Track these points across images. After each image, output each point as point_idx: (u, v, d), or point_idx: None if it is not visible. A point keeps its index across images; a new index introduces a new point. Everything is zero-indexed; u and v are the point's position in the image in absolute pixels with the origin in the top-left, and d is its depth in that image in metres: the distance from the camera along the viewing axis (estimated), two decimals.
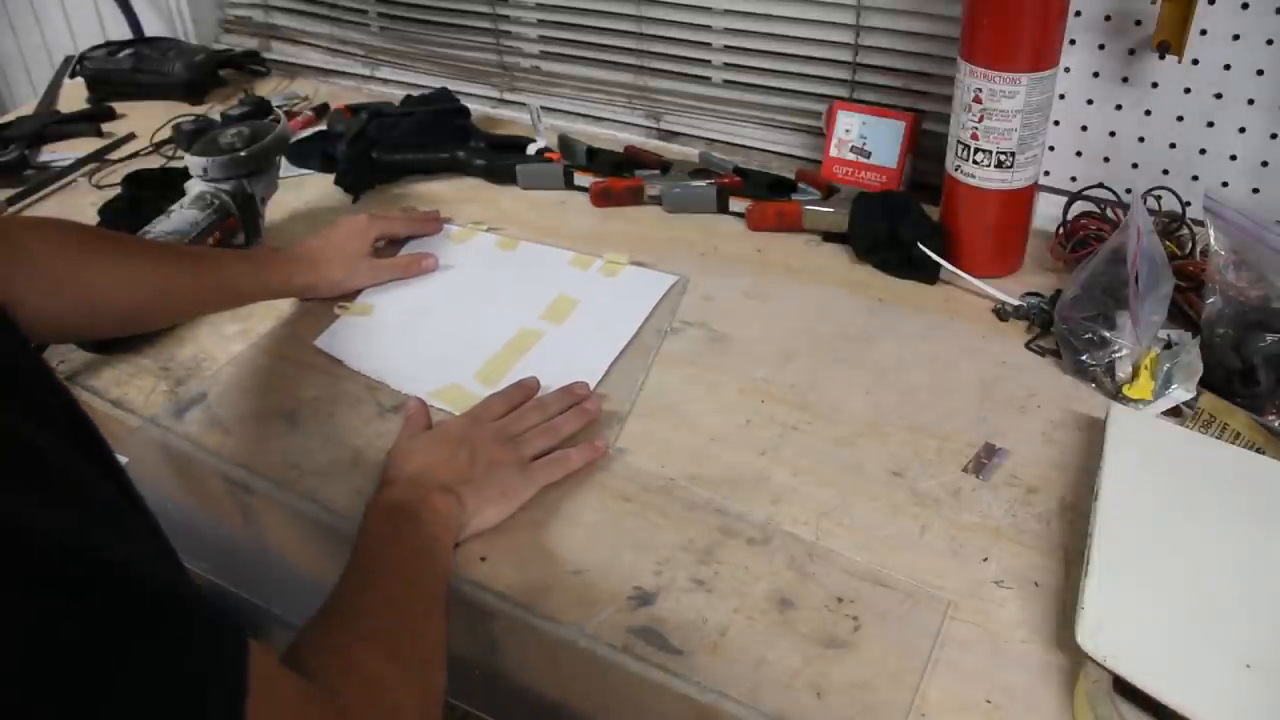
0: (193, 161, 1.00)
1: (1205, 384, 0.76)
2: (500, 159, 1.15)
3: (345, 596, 0.59)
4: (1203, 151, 0.93)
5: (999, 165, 0.87)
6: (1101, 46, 0.93)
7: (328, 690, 0.48)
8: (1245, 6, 0.85)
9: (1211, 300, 0.80)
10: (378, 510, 0.67)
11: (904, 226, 0.94)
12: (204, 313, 0.93)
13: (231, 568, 0.87)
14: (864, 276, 0.96)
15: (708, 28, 1.18)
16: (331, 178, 1.15)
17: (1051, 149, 0.99)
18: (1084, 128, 0.98)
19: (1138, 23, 0.90)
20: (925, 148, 1.07)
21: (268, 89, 1.44)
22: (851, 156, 1.08)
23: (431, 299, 0.96)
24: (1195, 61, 0.89)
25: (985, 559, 0.66)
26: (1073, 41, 0.93)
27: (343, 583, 0.60)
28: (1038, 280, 0.93)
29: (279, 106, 1.32)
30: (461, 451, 0.71)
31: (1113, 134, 0.97)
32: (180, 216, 0.97)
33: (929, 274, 0.93)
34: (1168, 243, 0.88)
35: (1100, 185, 0.94)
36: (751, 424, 0.78)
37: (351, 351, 0.88)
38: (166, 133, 1.29)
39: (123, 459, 0.79)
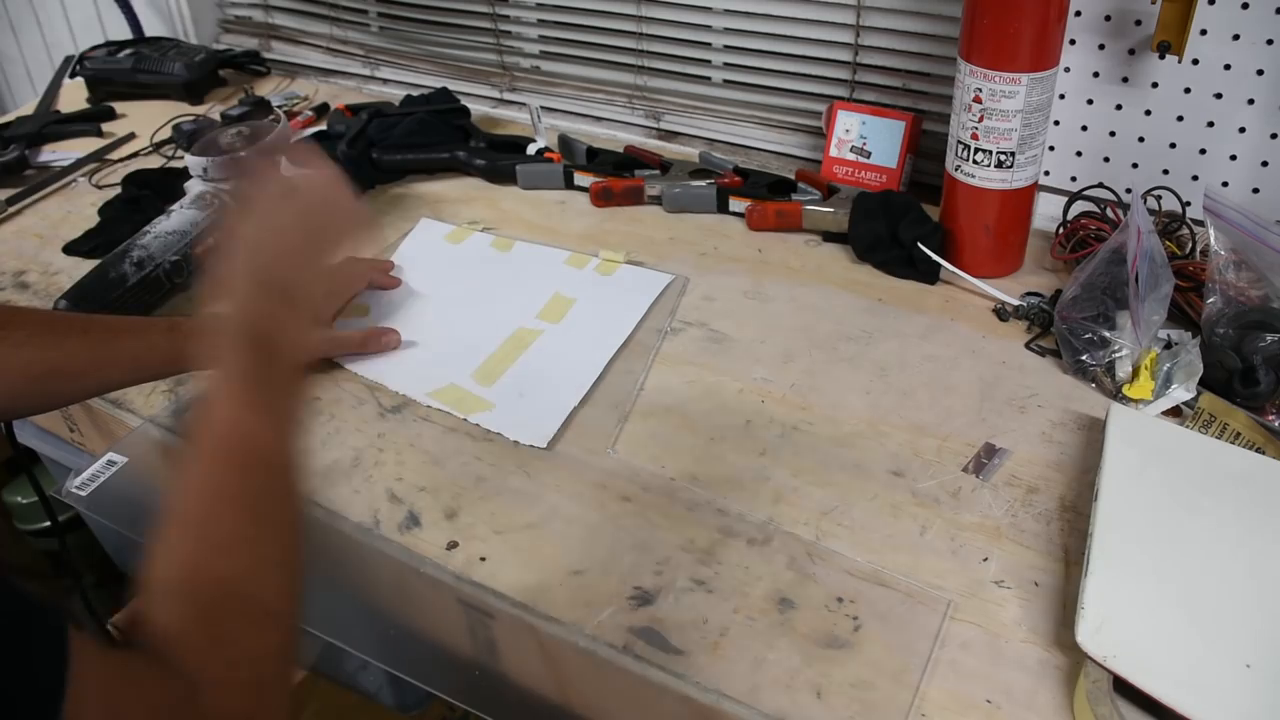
0: (193, 161, 1.01)
1: (1205, 384, 0.76)
2: (500, 159, 1.15)
3: (197, 496, 0.51)
4: (1203, 151, 0.93)
5: (999, 165, 0.87)
6: (1101, 46, 0.93)
7: (171, 664, 0.44)
8: (1245, 6, 0.85)
9: (1211, 300, 0.80)
10: (224, 338, 0.55)
11: (904, 226, 0.94)
12: (125, 386, 0.83)
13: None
14: (864, 276, 0.96)
15: (708, 28, 1.18)
16: None
17: (1051, 149, 0.99)
18: (1084, 127, 0.98)
19: (1138, 23, 0.90)
20: (925, 148, 1.07)
21: (268, 89, 1.44)
22: (851, 156, 1.08)
23: (429, 300, 0.96)
24: (1195, 61, 0.89)
25: (985, 559, 0.66)
26: (1073, 41, 0.93)
27: (187, 486, 0.52)
28: (1038, 280, 0.93)
29: (279, 106, 1.33)
30: (295, 234, 0.61)
31: (1113, 134, 0.97)
32: (180, 216, 0.97)
33: (929, 274, 0.93)
34: (1168, 243, 0.88)
35: (1100, 185, 0.94)
36: (751, 424, 0.78)
37: (349, 353, 0.88)
38: (166, 133, 1.29)
39: (122, 459, 0.79)
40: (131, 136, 1.31)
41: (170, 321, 0.82)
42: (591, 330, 0.90)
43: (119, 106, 1.38)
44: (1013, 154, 0.86)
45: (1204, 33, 0.87)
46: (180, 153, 1.23)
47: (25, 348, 0.72)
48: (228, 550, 0.49)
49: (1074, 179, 1.00)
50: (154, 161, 1.24)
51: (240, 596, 0.47)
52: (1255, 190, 0.92)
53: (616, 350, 0.87)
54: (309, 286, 0.61)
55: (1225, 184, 0.93)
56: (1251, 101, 0.88)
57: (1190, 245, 0.90)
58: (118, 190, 1.13)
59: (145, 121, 1.33)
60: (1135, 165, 0.97)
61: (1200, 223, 0.87)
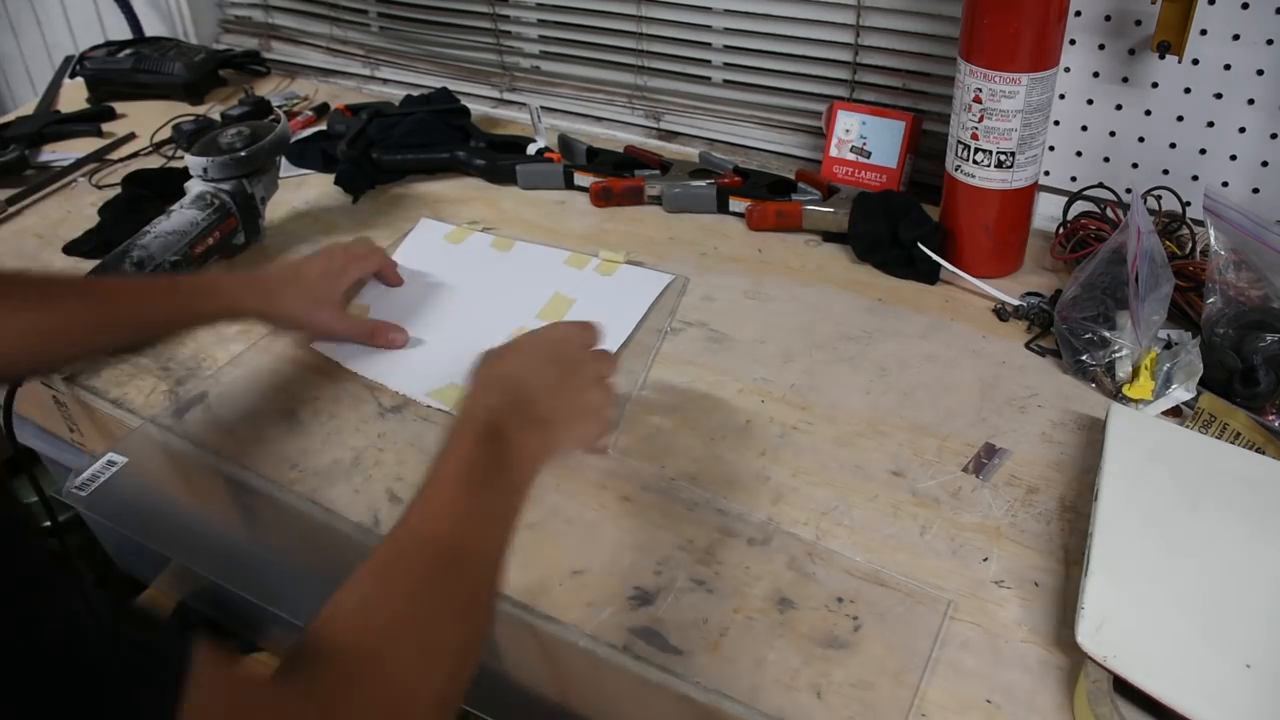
0: (193, 161, 1.00)
1: (1205, 384, 0.76)
2: (500, 159, 1.15)
3: (393, 552, 0.53)
4: (1203, 151, 0.93)
5: (999, 165, 0.87)
6: (1101, 46, 0.93)
7: (308, 687, 0.45)
8: (1245, 6, 0.85)
9: (1211, 300, 0.80)
10: (464, 426, 0.59)
11: (904, 226, 0.94)
12: (121, 350, 0.86)
13: (231, 568, 0.87)
14: (864, 276, 0.96)
15: (708, 28, 1.18)
16: (331, 178, 1.15)
17: (1051, 149, 0.99)
18: (1084, 127, 0.98)
19: (1138, 23, 0.90)
20: (925, 148, 1.07)
21: (268, 89, 1.44)
22: (851, 156, 1.08)
23: (429, 300, 0.96)
24: (1195, 61, 0.89)
25: (985, 559, 0.66)
26: (1073, 41, 0.93)
27: (405, 524, 0.54)
28: (1038, 280, 0.93)
29: (279, 106, 1.33)
30: (552, 368, 0.66)
31: (1113, 134, 0.97)
32: (180, 216, 0.97)
33: (929, 274, 0.93)
34: (1168, 243, 0.88)
35: (1100, 185, 0.94)
36: (751, 424, 0.78)
37: (349, 352, 0.88)
38: (166, 133, 1.29)
39: (122, 459, 0.79)
40: (131, 136, 1.31)
41: (171, 281, 0.84)
42: None
43: (119, 106, 1.38)
44: (1013, 154, 0.86)
45: (1204, 33, 0.87)
46: (180, 153, 1.23)
47: (22, 311, 0.71)
48: (398, 633, 0.49)
49: (1074, 179, 1.00)
50: (154, 161, 1.24)
51: (399, 678, 0.47)
52: (1255, 190, 0.92)
53: (616, 350, 0.87)
54: (553, 414, 0.64)
55: (1225, 184, 0.93)
56: (1251, 101, 0.88)
57: (1190, 245, 0.90)
58: (118, 190, 1.13)
59: (145, 121, 1.33)
60: (1135, 165, 0.97)
61: (1200, 223, 0.87)
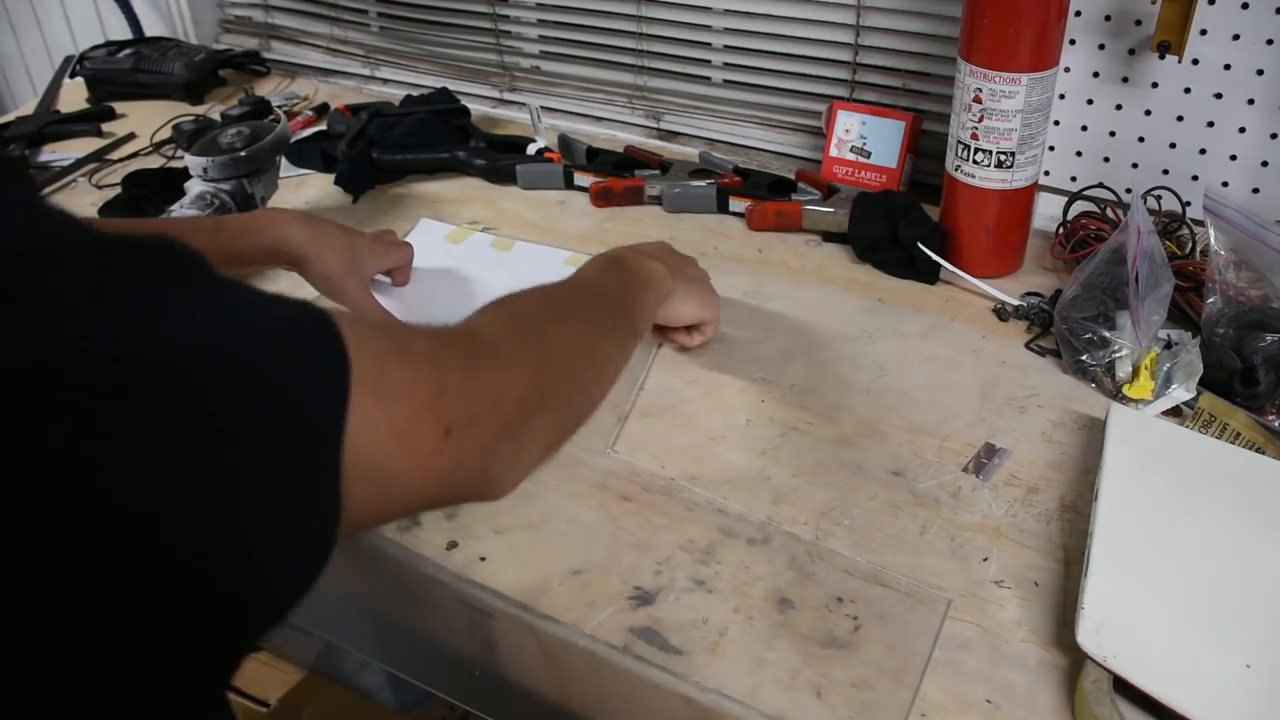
0: (193, 161, 1.01)
1: (1205, 384, 0.76)
2: (500, 159, 1.15)
3: (546, 291, 0.61)
4: (1203, 151, 0.93)
5: (999, 165, 0.87)
6: (1101, 46, 0.93)
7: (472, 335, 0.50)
8: (1245, 6, 0.85)
9: (1211, 300, 0.80)
10: (599, 258, 0.72)
11: (904, 226, 0.94)
12: None
13: None
14: (864, 276, 0.96)
15: (708, 28, 1.18)
16: (331, 178, 1.15)
17: (1051, 149, 0.99)
18: (1084, 127, 0.98)
19: (1138, 23, 0.90)
20: (925, 148, 1.07)
21: (268, 89, 1.44)
22: (851, 156, 1.08)
23: (429, 300, 0.96)
24: (1195, 61, 0.89)
25: (985, 559, 0.66)
26: (1073, 41, 0.93)
27: (548, 288, 0.61)
28: (1038, 280, 0.93)
29: (279, 106, 1.32)
30: (676, 256, 0.81)
31: (1113, 134, 0.97)
32: (180, 216, 0.97)
33: (929, 274, 0.93)
34: (1168, 243, 0.88)
35: (1100, 185, 0.94)
36: (751, 424, 0.78)
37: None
38: (166, 133, 1.29)
39: None
40: (131, 136, 1.31)
41: (215, 221, 0.84)
42: None
43: (119, 106, 1.38)
44: (1013, 154, 0.86)
45: (1204, 33, 0.87)
46: (180, 153, 1.23)
47: None
48: (564, 335, 0.57)
49: (1074, 179, 1.00)
50: (154, 161, 1.24)
51: (562, 351, 0.56)
52: (1255, 190, 0.92)
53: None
54: (669, 264, 0.77)
55: (1225, 184, 0.93)
56: (1251, 101, 0.88)
57: (1190, 245, 0.90)
58: (118, 190, 1.13)
59: (145, 121, 1.33)
60: (1135, 165, 0.97)
61: (1200, 223, 0.87)
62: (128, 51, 1.41)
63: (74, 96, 1.43)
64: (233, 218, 0.85)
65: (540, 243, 1.03)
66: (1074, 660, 0.58)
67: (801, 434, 0.77)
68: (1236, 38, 0.86)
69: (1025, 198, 0.91)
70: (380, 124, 1.17)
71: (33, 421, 0.29)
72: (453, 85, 1.33)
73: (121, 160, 1.25)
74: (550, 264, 0.99)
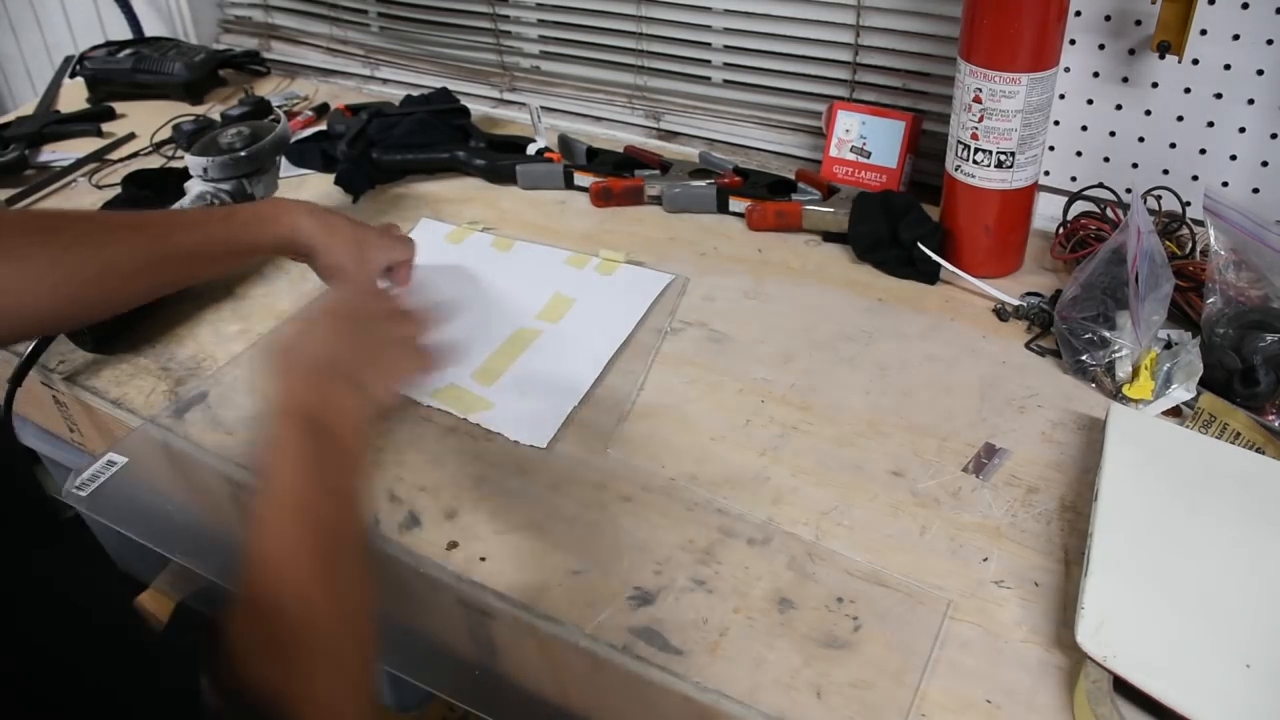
0: (193, 161, 1.01)
1: (1205, 384, 0.76)
2: (500, 159, 1.15)
3: (268, 560, 0.51)
4: (1203, 151, 0.93)
5: (999, 165, 0.87)
6: (1101, 46, 0.93)
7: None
8: (1245, 6, 0.85)
9: (1211, 300, 0.80)
10: (282, 420, 0.57)
11: (904, 226, 0.94)
12: (179, 286, 0.82)
13: (232, 567, 0.87)
14: (864, 276, 0.96)
15: (708, 28, 1.18)
16: (331, 178, 1.15)
17: (1051, 149, 0.99)
18: (1084, 127, 0.98)
19: (1138, 23, 0.90)
20: (925, 148, 1.07)
21: (268, 89, 1.44)
22: (851, 156, 1.08)
23: (428, 299, 0.95)
24: (1195, 61, 0.89)
25: (985, 559, 0.66)
26: (1073, 41, 0.93)
27: (260, 535, 0.52)
28: (1038, 280, 0.93)
29: (279, 106, 1.33)
30: (356, 328, 0.65)
31: (1113, 134, 0.97)
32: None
33: (929, 274, 0.93)
34: (1168, 243, 0.88)
35: (1100, 185, 0.94)
36: (751, 424, 0.78)
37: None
38: (166, 133, 1.29)
39: (122, 459, 0.79)
40: (131, 136, 1.31)
41: (227, 210, 0.82)
42: (591, 330, 0.90)
43: (119, 106, 1.38)
44: (1013, 154, 0.86)
45: (1204, 33, 0.87)
46: (180, 153, 1.23)
47: (75, 248, 0.70)
48: (330, 670, 0.49)
49: (1074, 179, 1.00)
50: (154, 161, 1.24)
51: (318, 640, 0.48)
52: (1255, 190, 0.92)
53: (616, 350, 0.87)
54: (359, 372, 0.61)
55: (1225, 184, 0.93)
56: (1251, 101, 0.88)
57: (1190, 245, 0.90)
58: (118, 190, 1.13)
59: (145, 121, 1.33)
60: (1135, 165, 0.97)
61: (1200, 223, 0.87)
62: (128, 51, 1.41)
63: (74, 96, 1.43)
64: (243, 207, 0.84)
65: (540, 242, 1.03)
66: (1074, 660, 0.58)
67: (801, 434, 0.77)
68: (1236, 38, 0.86)
69: (1025, 198, 0.91)
70: (380, 124, 1.17)
71: None
72: (453, 85, 1.33)
73: (121, 160, 1.25)
74: (550, 264, 0.99)
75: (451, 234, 1.06)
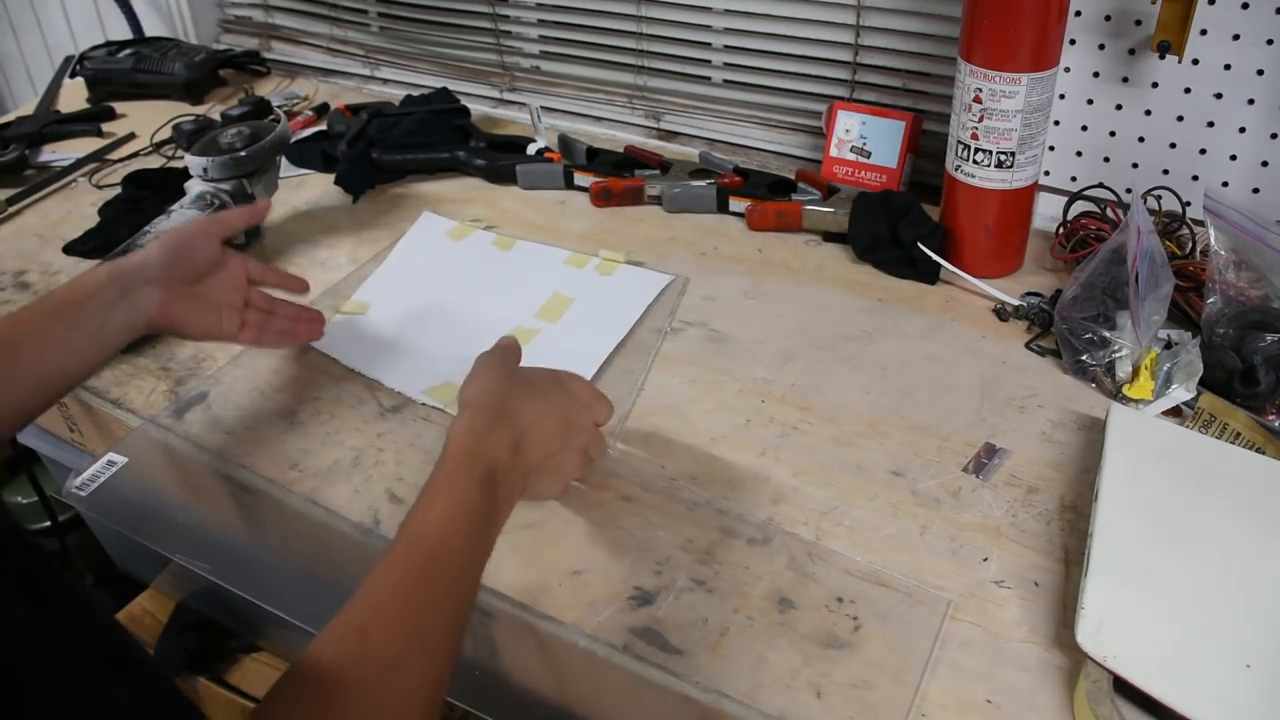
0: (193, 161, 1.01)
1: (1205, 384, 0.76)
2: (500, 159, 1.15)
3: (389, 573, 0.53)
4: (1203, 151, 0.93)
5: (999, 165, 0.87)
6: (1101, 46, 0.93)
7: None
8: (1245, 6, 0.85)
9: (1211, 300, 0.80)
10: (475, 467, 0.59)
11: (904, 226, 0.94)
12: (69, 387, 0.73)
13: (231, 568, 0.87)
14: (864, 276, 0.96)
15: (708, 28, 1.18)
16: (331, 178, 1.15)
17: (1051, 149, 0.99)
18: (1084, 127, 0.98)
19: (1138, 23, 0.90)
20: (925, 148, 1.07)
21: (268, 89, 1.44)
22: (851, 156, 1.08)
23: (428, 297, 0.96)
24: (1195, 61, 0.89)
25: (985, 559, 0.66)
26: (1073, 41, 0.93)
27: (396, 549, 0.54)
28: (1038, 280, 0.93)
29: (279, 106, 1.32)
30: (555, 423, 0.66)
31: (1113, 134, 0.97)
32: (180, 216, 0.97)
33: (929, 274, 0.93)
34: (1168, 243, 0.88)
35: (1100, 185, 0.94)
36: (751, 424, 0.78)
37: (347, 350, 0.88)
38: (166, 133, 1.29)
39: (122, 459, 0.79)
40: (131, 136, 1.31)
41: (119, 285, 0.71)
42: (590, 329, 0.89)
43: (119, 106, 1.38)
44: (1013, 154, 0.86)
45: (1204, 33, 0.87)
46: (180, 153, 1.23)
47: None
48: (383, 670, 0.49)
49: (1074, 179, 1.00)
50: (154, 161, 1.24)
51: (403, 678, 0.49)
52: (1255, 190, 0.92)
53: (614, 349, 0.87)
54: (539, 467, 0.65)
55: (1225, 184, 0.93)
56: (1251, 101, 0.88)
57: (1190, 245, 0.90)
58: (118, 190, 1.14)
59: (145, 121, 1.33)
60: (1135, 165, 0.97)
61: (1200, 223, 0.87)
62: (128, 51, 1.41)
63: (74, 96, 1.43)
64: (127, 274, 0.73)
65: (541, 241, 1.03)
66: (1074, 660, 0.58)
67: (801, 434, 0.77)
68: (1236, 38, 0.86)
69: (1025, 198, 0.91)
70: (380, 124, 1.17)
71: None
72: (453, 85, 1.33)
73: (121, 160, 1.25)
74: (550, 263, 0.99)
75: (453, 230, 1.06)
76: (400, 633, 0.50)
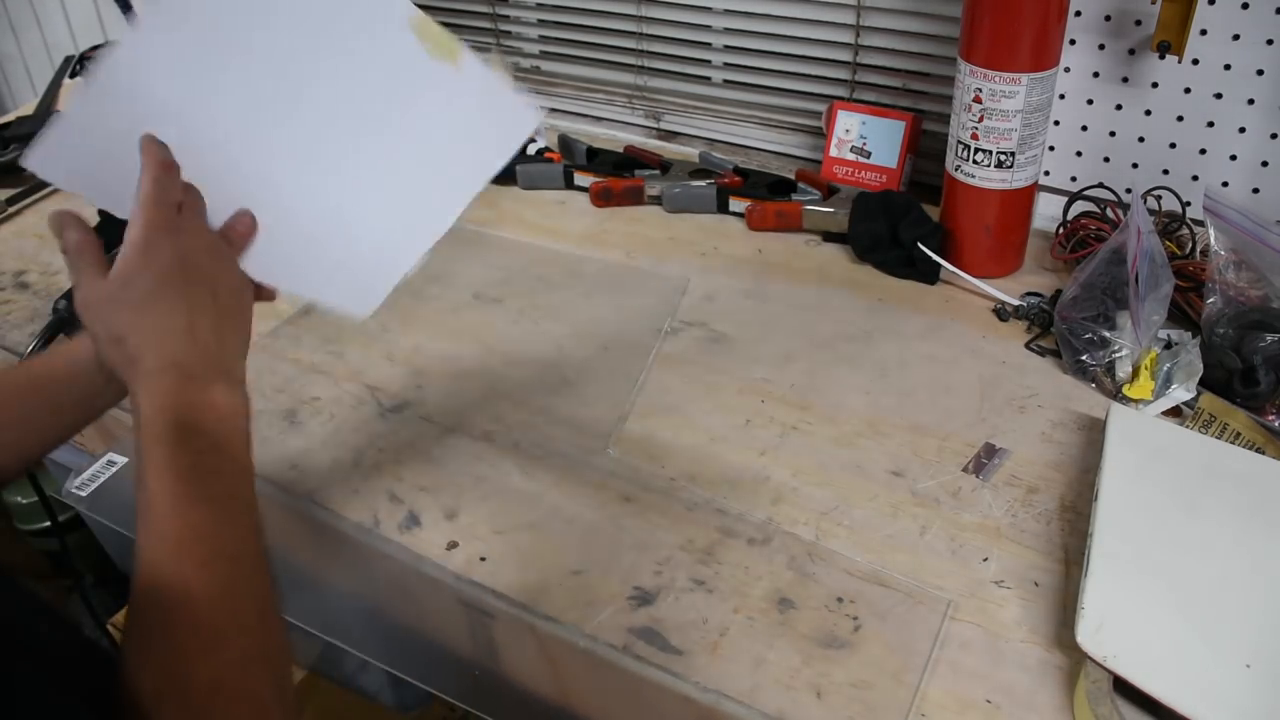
0: None
1: (1205, 384, 0.76)
2: None
3: (161, 585, 0.46)
4: (1203, 151, 0.93)
5: (999, 165, 0.87)
6: (1101, 46, 0.93)
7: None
8: (1245, 6, 0.85)
9: (1211, 300, 0.80)
10: (155, 431, 0.49)
11: (904, 226, 0.94)
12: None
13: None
14: (864, 276, 0.96)
15: (708, 28, 1.18)
16: None
17: (1051, 149, 0.99)
18: (1084, 128, 0.98)
19: (1138, 23, 0.90)
20: (925, 148, 1.07)
21: None
22: (851, 156, 1.08)
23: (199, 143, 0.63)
24: (1195, 61, 0.89)
25: (985, 559, 0.66)
26: (1073, 41, 0.93)
27: (148, 564, 0.46)
28: (1038, 280, 0.93)
29: None
30: (200, 291, 0.54)
31: (1113, 134, 0.97)
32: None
33: (929, 274, 0.93)
34: (1168, 243, 0.88)
35: (1100, 185, 0.94)
36: (751, 424, 0.78)
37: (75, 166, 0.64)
38: None
39: (122, 459, 0.79)
40: None
41: (107, 372, 0.58)
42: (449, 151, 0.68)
43: None
44: (1013, 154, 0.86)
45: (1204, 33, 0.87)
46: None
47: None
48: (206, 651, 0.45)
49: (1074, 179, 1.00)
50: None
51: (228, 695, 0.44)
52: (1255, 190, 0.92)
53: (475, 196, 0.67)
54: (225, 349, 0.54)
55: (1225, 184, 0.93)
56: (1251, 101, 0.88)
57: (1190, 245, 0.90)
58: None
59: None
60: (1135, 165, 0.97)
61: (1200, 223, 0.87)
62: None
63: None
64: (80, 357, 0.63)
65: None
66: (1074, 660, 0.58)
67: (801, 434, 0.77)
68: (1236, 38, 0.86)
69: (1025, 198, 0.91)
70: None
71: None
72: None
73: None
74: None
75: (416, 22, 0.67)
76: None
